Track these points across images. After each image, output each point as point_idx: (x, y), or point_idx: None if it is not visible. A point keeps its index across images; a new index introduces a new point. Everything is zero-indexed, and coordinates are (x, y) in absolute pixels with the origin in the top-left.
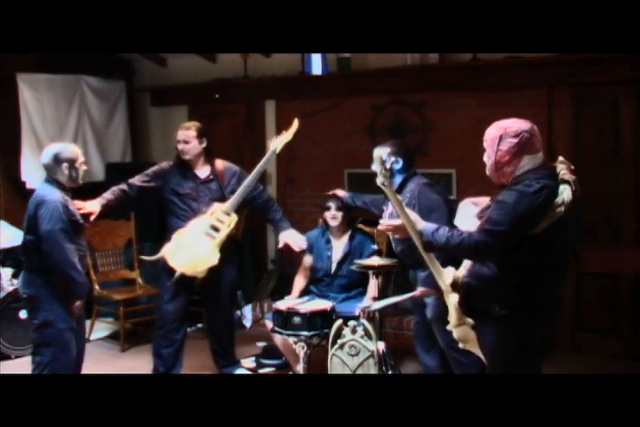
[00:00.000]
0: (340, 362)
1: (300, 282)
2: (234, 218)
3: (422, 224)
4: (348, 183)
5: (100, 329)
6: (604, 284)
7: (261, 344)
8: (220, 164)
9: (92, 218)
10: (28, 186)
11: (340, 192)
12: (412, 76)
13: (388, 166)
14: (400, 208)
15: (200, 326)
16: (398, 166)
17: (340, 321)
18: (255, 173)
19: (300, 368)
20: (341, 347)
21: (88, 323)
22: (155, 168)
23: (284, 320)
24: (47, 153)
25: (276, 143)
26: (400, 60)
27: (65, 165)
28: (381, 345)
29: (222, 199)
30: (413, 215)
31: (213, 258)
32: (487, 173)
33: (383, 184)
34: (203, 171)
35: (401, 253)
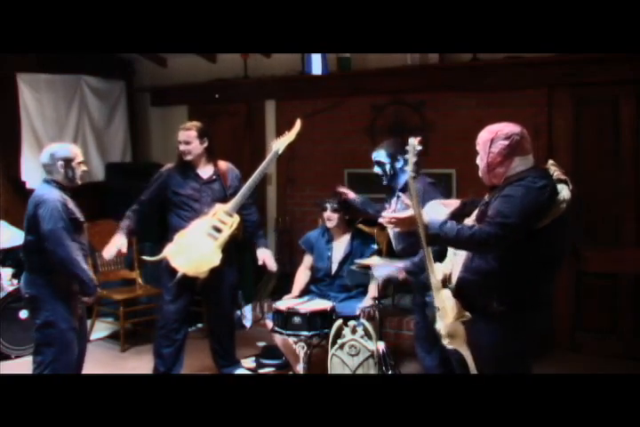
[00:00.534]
0: (339, 362)
1: (300, 281)
2: (236, 219)
3: (428, 218)
4: (348, 183)
5: (99, 329)
6: (604, 284)
7: (261, 344)
8: (222, 164)
9: (124, 251)
10: (28, 186)
11: (350, 193)
12: (411, 76)
13: (415, 157)
14: (416, 200)
15: (200, 326)
16: (400, 165)
17: (339, 321)
18: (258, 174)
19: (299, 368)
20: (341, 347)
21: (88, 323)
22: (155, 176)
23: (284, 320)
24: (45, 152)
25: (279, 144)
26: (400, 60)
27: (60, 163)
28: (381, 345)
29: (224, 200)
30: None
31: (215, 259)
32: (479, 174)
33: (415, 172)
34: (205, 171)
35: (402, 252)
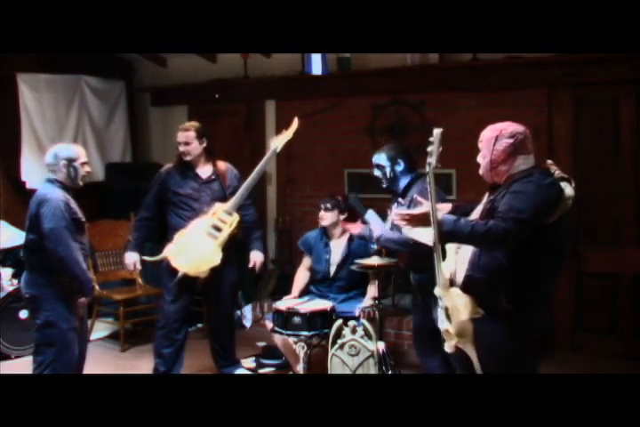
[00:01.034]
0: (339, 362)
1: (299, 282)
2: (235, 217)
3: (441, 214)
4: (348, 183)
5: (99, 329)
6: (604, 284)
7: (261, 344)
8: (221, 164)
9: (138, 267)
10: (28, 186)
11: (355, 228)
12: (411, 76)
13: (438, 149)
14: (434, 196)
15: (200, 326)
16: (400, 168)
17: (339, 321)
18: (257, 172)
19: (299, 368)
20: (341, 347)
21: (88, 323)
22: (154, 178)
23: (284, 320)
24: (49, 152)
25: (277, 142)
26: (400, 60)
27: (63, 162)
28: (381, 345)
29: (223, 199)
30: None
31: (216, 258)
32: (480, 172)
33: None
34: (204, 171)
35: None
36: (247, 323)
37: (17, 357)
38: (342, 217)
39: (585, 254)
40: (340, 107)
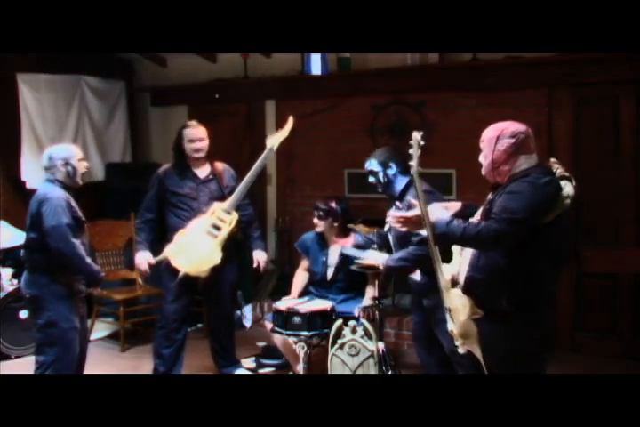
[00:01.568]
0: (339, 362)
1: (298, 283)
2: (234, 216)
3: (435, 216)
4: (348, 183)
5: (100, 329)
6: (604, 284)
7: (261, 344)
8: (218, 164)
9: (152, 262)
10: (28, 186)
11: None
12: (411, 76)
13: (419, 151)
14: (422, 198)
15: (200, 326)
16: (393, 172)
17: (339, 321)
18: (254, 171)
19: (299, 368)
20: (341, 347)
21: (88, 323)
22: (152, 180)
23: (284, 320)
24: (44, 155)
25: (273, 141)
26: (400, 60)
27: (60, 162)
28: (381, 345)
29: (222, 199)
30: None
31: (216, 257)
32: (483, 172)
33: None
34: (202, 171)
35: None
36: (247, 323)
37: (17, 357)
38: (336, 224)
39: (585, 254)
40: (340, 107)
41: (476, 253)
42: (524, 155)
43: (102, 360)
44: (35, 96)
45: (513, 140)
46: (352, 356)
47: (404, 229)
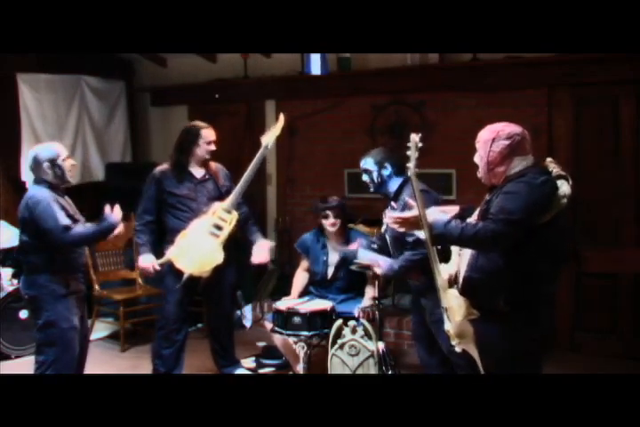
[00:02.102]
0: (339, 362)
1: (298, 284)
2: (234, 215)
3: (432, 217)
4: (348, 183)
5: (99, 329)
6: (604, 284)
7: (261, 344)
8: (212, 164)
9: (157, 267)
10: (28, 186)
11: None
12: (411, 76)
13: (417, 153)
14: (420, 199)
15: (200, 326)
16: (387, 172)
17: (339, 321)
18: (251, 169)
19: (299, 368)
20: (341, 347)
21: (88, 323)
22: (149, 181)
23: (284, 320)
24: (29, 156)
25: (267, 139)
26: (400, 60)
27: (46, 164)
28: (381, 345)
29: (219, 198)
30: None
31: (219, 257)
32: (478, 174)
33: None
34: (198, 171)
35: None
36: (247, 323)
37: (17, 357)
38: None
39: (585, 254)
40: (340, 107)
41: (474, 253)
42: (519, 156)
43: (102, 360)
44: (35, 96)
45: (508, 142)
46: (352, 356)
47: (401, 229)
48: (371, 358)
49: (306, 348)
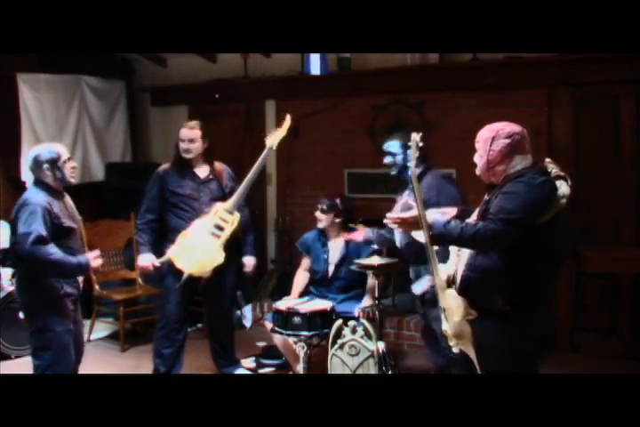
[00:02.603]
0: (339, 362)
1: (298, 283)
2: (237, 216)
3: (432, 217)
4: (348, 183)
5: (100, 329)
6: (604, 284)
7: (261, 344)
8: (217, 164)
9: (157, 264)
10: (28, 187)
11: (358, 235)
12: (411, 76)
13: (418, 152)
14: (420, 197)
15: (200, 326)
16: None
17: (339, 321)
18: (255, 170)
19: (299, 368)
20: (341, 347)
21: (88, 323)
22: (152, 179)
23: (284, 320)
24: (29, 156)
25: (272, 140)
26: (400, 60)
27: (46, 166)
28: (381, 345)
29: (222, 199)
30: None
31: (220, 257)
32: (477, 172)
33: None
34: (202, 171)
35: (405, 248)
36: (247, 323)
37: (17, 357)
38: (338, 220)
39: (585, 254)
40: (340, 107)
41: (473, 253)
42: (519, 155)
43: (102, 360)
44: (35, 96)
45: (508, 141)
46: (352, 356)
47: (400, 230)
48: (371, 358)
49: (306, 348)
